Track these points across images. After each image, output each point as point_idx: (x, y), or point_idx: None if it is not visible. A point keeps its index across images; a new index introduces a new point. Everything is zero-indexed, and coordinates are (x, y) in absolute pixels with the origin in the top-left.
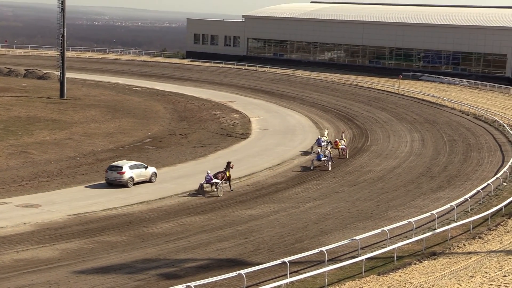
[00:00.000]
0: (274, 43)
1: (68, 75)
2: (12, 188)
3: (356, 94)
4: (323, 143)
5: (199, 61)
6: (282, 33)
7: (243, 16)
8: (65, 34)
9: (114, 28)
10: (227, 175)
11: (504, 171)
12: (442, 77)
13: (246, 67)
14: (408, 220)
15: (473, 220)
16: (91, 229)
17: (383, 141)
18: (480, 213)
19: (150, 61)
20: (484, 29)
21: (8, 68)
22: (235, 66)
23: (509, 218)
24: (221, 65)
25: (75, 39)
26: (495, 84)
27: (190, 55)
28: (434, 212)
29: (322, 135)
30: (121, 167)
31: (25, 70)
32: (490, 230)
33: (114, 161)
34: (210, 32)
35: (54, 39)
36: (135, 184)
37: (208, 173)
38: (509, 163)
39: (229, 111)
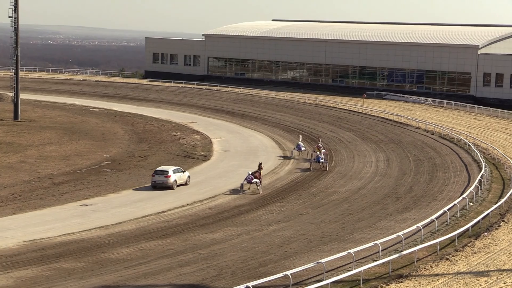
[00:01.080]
0: (236, 62)
1: (22, 96)
2: None
3: (320, 113)
4: (302, 148)
5: (158, 81)
6: (243, 52)
7: (203, 35)
8: (18, 54)
9: (70, 47)
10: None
11: (470, 191)
12: (407, 96)
13: (207, 87)
14: (374, 242)
15: (440, 241)
16: (47, 255)
17: (347, 162)
18: (446, 234)
19: (108, 81)
20: (448, 47)
21: None
22: (196, 86)
23: (476, 239)
24: (181, 85)
25: (30, 59)
26: (459, 103)
27: (149, 74)
28: (400, 233)
29: (299, 141)
30: (167, 171)
31: None
32: (457, 251)
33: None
34: (169, 51)
35: (7, 59)
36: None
37: (249, 174)
38: (475, 183)
39: (189, 132)
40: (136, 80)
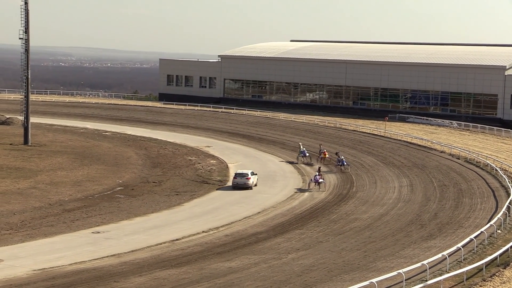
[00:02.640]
0: (253, 84)
1: (32, 120)
2: None
3: (340, 137)
4: (307, 154)
5: (173, 104)
6: (260, 73)
7: (219, 56)
8: (29, 76)
9: (82, 69)
10: None
11: (498, 218)
12: (431, 118)
13: (223, 110)
14: (398, 271)
15: (467, 270)
16: (57, 285)
17: (369, 187)
18: (473, 263)
19: (121, 104)
20: (474, 68)
21: None
22: (211, 109)
23: (504, 268)
24: (196, 108)
25: (40, 82)
26: (486, 126)
27: (163, 97)
28: (425, 262)
29: (302, 148)
30: (247, 174)
31: None
32: (484, 281)
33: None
34: (184, 73)
35: (18, 82)
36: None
37: (316, 175)
38: (503, 209)
39: (205, 156)
40: (149, 103)
